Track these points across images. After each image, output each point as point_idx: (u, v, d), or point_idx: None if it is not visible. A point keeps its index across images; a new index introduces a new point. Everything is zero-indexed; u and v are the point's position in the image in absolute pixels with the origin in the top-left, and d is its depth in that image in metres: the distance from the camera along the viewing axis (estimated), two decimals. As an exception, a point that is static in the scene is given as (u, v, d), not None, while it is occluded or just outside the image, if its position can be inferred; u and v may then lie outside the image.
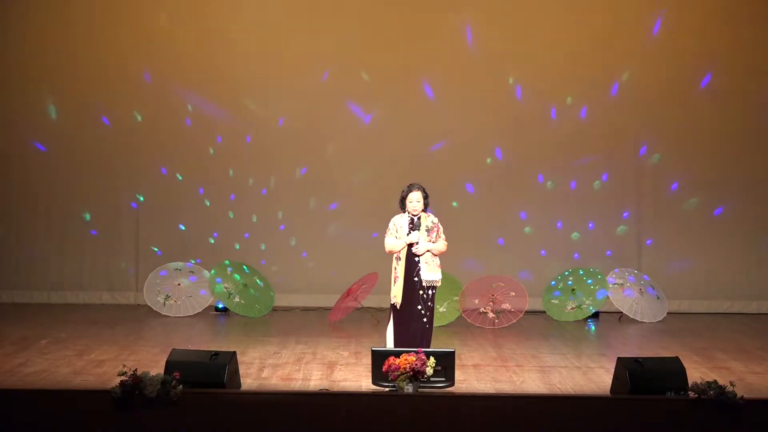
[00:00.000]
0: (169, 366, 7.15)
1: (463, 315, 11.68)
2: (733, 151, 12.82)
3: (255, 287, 12.25)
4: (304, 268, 13.02)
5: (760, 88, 12.76)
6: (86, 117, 12.94)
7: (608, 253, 12.91)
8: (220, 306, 12.31)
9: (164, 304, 12.10)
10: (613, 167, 12.91)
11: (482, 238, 12.91)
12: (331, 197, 13.05)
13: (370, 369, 7.66)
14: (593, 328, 11.67)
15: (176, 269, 12.33)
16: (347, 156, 12.99)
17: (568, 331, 11.36)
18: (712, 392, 6.85)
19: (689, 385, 7.02)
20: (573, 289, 12.10)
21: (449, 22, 12.80)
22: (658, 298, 12.12)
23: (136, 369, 6.93)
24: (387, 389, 7.35)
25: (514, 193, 12.97)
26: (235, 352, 7.53)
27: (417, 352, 7.35)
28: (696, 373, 8.23)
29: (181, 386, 6.80)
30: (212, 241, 13.05)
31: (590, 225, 12.98)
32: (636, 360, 7.41)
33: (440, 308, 11.24)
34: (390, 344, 8.30)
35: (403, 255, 8.35)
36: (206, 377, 7.11)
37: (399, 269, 8.34)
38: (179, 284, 12.23)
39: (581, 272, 12.28)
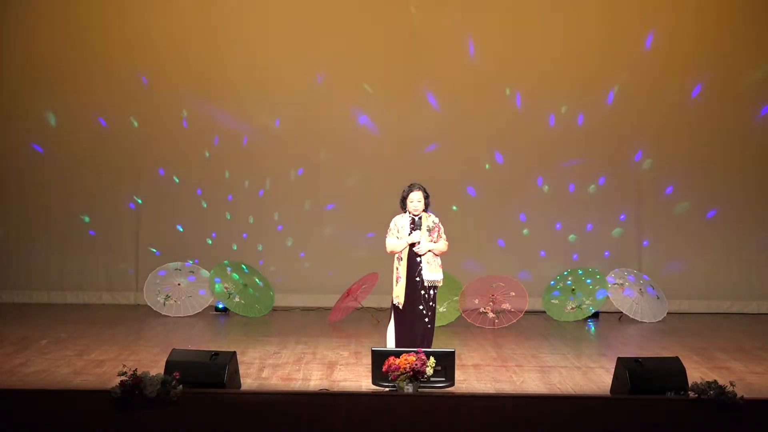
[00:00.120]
0: (169, 366, 7.14)
1: (463, 315, 11.68)
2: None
3: (254, 287, 12.25)
4: (302, 268, 13.06)
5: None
6: (84, 120, 12.95)
7: (606, 254, 12.95)
8: (220, 306, 12.32)
9: (164, 304, 12.10)
10: (609, 171, 13.03)
11: (482, 240, 12.96)
12: (326, 198, 13.08)
13: (370, 369, 7.66)
14: (593, 328, 11.67)
15: (176, 269, 12.34)
16: (342, 159, 13.01)
17: (568, 331, 11.36)
18: (712, 392, 6.85)
19: (689, 385, 7.02)
20: (573, 289, 12.10)
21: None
22: (658, 298, 12.13)
23: (136, 369, 6.93)
24: (387, 389, 7.35)
25: (513, 196, 13.02)
26: (235, 352, 7.53)
27: (417, 352, 7.35)
28: (696, 373, 8.23)
29: (181, 386, 6.80)
30: (210, 242, 13.06)
31: (588, 227, 13.05)
32: (636, 360, 7.40)
33: (440, 308, 11.24)
34: (390, 344, 8.30)
35: (404, 255, 8.35)
36: (206, 377, 7.10)
37: (401, 269, 8.34)
38: (179, 284, 12.24)
39: (580, 272, 12.29)
